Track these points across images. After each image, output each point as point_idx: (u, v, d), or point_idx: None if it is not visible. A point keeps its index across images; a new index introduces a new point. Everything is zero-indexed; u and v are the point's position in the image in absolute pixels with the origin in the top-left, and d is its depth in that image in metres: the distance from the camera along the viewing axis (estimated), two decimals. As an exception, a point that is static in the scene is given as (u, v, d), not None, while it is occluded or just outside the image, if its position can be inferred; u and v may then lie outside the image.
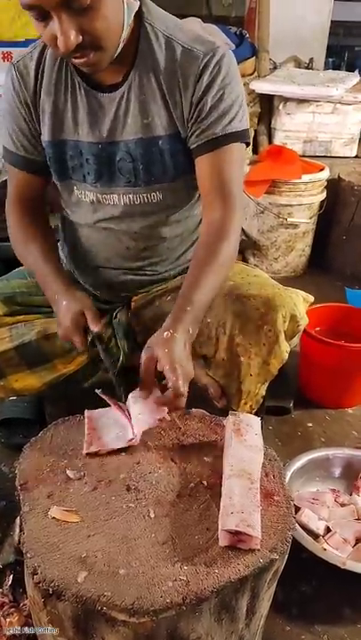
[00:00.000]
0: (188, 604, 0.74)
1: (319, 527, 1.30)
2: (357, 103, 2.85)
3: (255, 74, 2.96)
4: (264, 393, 1.25)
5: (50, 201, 1.38)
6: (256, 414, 1.14)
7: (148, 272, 1.33)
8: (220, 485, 0.91)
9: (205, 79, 1.09)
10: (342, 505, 1.38)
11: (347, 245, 2.80)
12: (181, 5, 3.32)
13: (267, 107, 2.97)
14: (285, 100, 2.85)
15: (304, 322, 1.22)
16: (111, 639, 0.77)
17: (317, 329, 1.87)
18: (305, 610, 1.20)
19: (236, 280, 1.23)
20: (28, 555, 0.80)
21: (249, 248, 2.80)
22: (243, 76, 2.22)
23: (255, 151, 2.93)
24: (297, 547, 1.16)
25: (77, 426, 1.06)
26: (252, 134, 2.91)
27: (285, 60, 3.19)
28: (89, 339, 1.17)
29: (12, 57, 2.98)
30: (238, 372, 1.20)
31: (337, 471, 1.49)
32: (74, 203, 1.27)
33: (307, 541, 1.22)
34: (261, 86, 2.83)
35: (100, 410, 1.06)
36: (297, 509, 1.31)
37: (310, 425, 1.78)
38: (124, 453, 1.00)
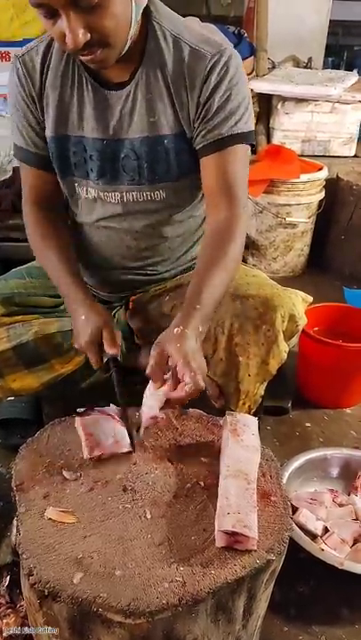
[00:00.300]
0: (185, 605, 0.74)
1: (317, 527, 1.29)
2: (356, 102, 2.84)
3: (254, 73, 2.96)
4: (263, 393, 1.25)
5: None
6: (254, 414, 1.14)
7: (148, 272, 1.33)
8: (217, 486, 0.90)
9: (213, 80, 1.08)
10: (340, 505, 1.38)
11: (345, 245, 2.79)
12: (181, 5, 3.31)
13: (265, 106, 2.96)
14: (284, 99, 2.84)
15: (303, 322, 1.22)
16: (107, 640, 0.76)
17: (316, 329, 1.86)
18: (303, 610, 1.20)
19: (235, 280, 1.23)
20: (24, 556, 0.80)
21: (247, 248, 2.79)
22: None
23: (254, 151, 2.93)
24: (295, 547, 1.16)
25: (74, 426, 1.05)
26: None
27: (284, 59, 3.19)
28: (104, 359, 1.13)
29: (10, 57, 2.98)
30: (237, 371, 1.20)
31: (335, 471, 1.49)
32: (75, 200, 1.27)
33: (304, 542, 1.22)
34: (260, 86, 2.83)
35: (90, 417, 1.05)
36: (295, 509, 1.31)
37: (308, 425, 1.78)
38: (120, 454, 0.99)
